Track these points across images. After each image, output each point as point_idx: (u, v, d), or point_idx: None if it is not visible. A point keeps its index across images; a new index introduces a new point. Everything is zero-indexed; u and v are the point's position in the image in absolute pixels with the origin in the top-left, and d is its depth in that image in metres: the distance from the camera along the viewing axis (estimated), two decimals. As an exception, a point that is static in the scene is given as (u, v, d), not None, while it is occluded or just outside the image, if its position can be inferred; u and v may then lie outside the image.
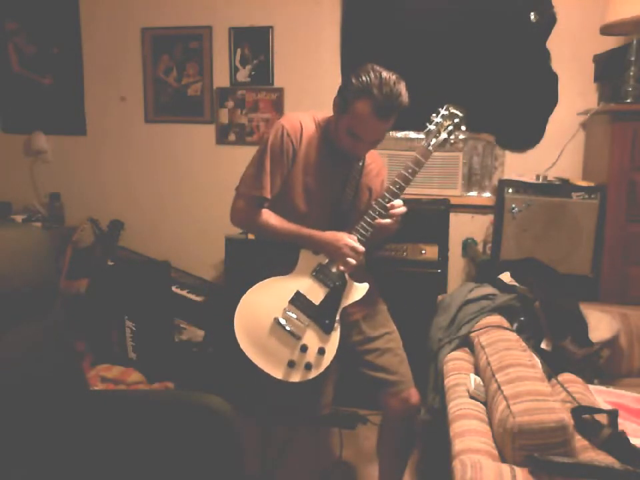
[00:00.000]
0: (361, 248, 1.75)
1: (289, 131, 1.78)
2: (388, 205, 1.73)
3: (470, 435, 1.37)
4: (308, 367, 1.74)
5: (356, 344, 1.91)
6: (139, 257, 3.31)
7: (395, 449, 2.01)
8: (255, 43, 3.22)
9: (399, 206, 1.74)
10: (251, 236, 2.92)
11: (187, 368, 2.93)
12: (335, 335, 1.76)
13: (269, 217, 1.83)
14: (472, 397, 1.58)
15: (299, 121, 1.80)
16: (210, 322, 3.11)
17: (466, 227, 3.07)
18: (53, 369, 1.61)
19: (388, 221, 1.73)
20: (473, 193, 3.11)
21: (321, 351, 1.75)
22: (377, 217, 1.73)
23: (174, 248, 3.39)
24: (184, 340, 3.14)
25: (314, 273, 1.78)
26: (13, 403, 1.45)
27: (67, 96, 3.50)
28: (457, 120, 1.75)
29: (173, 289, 3.11)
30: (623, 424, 1.53)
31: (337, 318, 1.77)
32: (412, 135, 3.07)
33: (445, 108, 1.77)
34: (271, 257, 1.88)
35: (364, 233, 1.75)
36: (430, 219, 2.74)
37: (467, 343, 1.93)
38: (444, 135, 1.75)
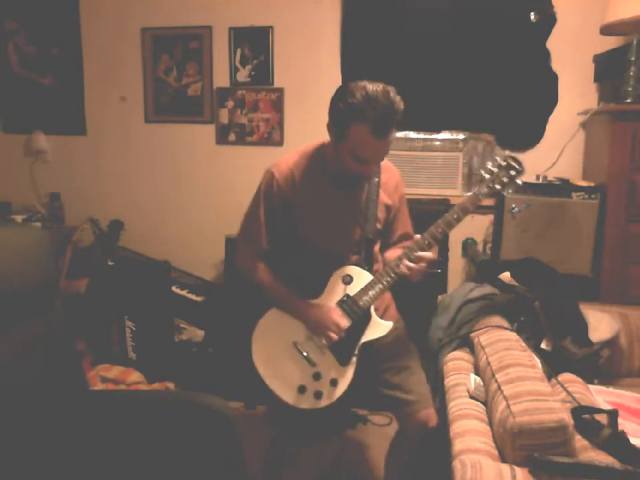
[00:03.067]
0: (344, 324, 1.70)
1: (279, 179, 1.73)
2: (416, 254, 1.66)
3: (470, 435, 1.38)
4: (318, 395, 1.72)
5: (373, 361, 1.84)
6: (139, 257, 3.31)
7: (403, 465, 1.96)
8: (254, 43, 3.22)
9: (427, 257, 1.66)
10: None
11: (187, 368, 2.93)
12: (351, 369, 1.73)
13: (265, 275, 1.79)
14: (472, 397, 1.58)
15: (288, 167, 1.74)
16: (210, 322, 3.11)
17: (466, 227, 3.06)
18: (53, 369, 1.61)
19: (412, 265, 1.65)
20: (473, 193, 3.11)
21: (333, 382, 1.73)
22: (405, 262, 1.65)
23: (174, 248, 3.39)
24: (184, 340, 3.14)
25: (340, 303, 1.74)
26: (13, 403, 1.45)
27: (67, 96, 3.50)
28: (513, 173, 1.67)
29: (173, 288, 3.11)
30: (623, 424, 1.53)
31: (355, 352, 1.73)
32: (412, 135, 3.07)
33: (503, 158, 1.68)
34: (299, 276, 1.80)
35: (392, 276, 1.69)
36: (430, 218, 2.72)
37: (467, 343, 1.93)
38: (497, 187, 1.67)
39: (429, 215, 2.71)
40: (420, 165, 3.02)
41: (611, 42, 2.72)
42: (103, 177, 3.53)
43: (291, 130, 3.24)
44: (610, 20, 2.43)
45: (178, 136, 3.41)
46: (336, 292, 1.75)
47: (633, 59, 2.46)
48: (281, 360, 1.75)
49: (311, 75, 3.19)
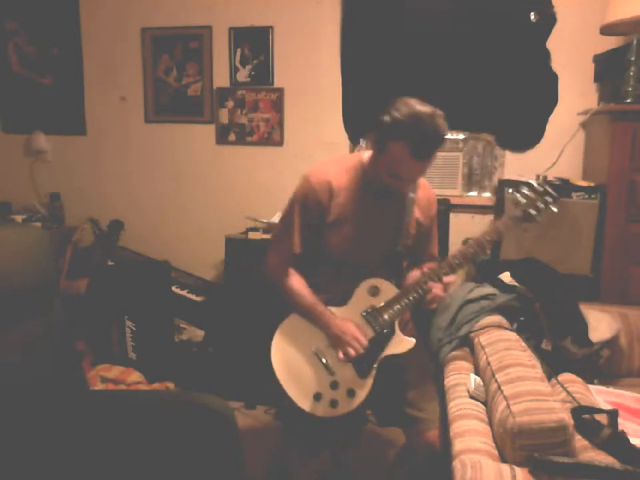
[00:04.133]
0: (364, 341, 1.68)
1: (315, 187, 1.71)
2: (444, 279, 1.68)
3: (470, 435, 1.37)
4: (334, 404, 1.72)
5: (390, 376, 1.81)
6: (139, 257, 3.31)
7: (405, 470, 1.99)
8: (254, 43, 3.22)
9: (448, 281, 1.68)
10: (251, 236, 2.92)
11: (187, 368, 2.93)
12: (369, 381, 1.72)
13: (294, 281, 1.77)
14: (472, 397, 1.58)
15: (326, 174, 1.73)
16: (210, 322, 3.11)
17: (466, 227, 3.07)
18: (53, 369, 1.61)
19: (436, 286, 1.68)
20: (473, 193, 3.11)
21: (351, 393, 1.72)
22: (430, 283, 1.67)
23: (174, 248, 3.39)
24: (184, 340, 3.14)
25: (364, 314, 1.74)
26: (14, 403, 1.45)
27: (67, 96, 3.50)
28: (549, 199, 1.66)
29: (173, 288, 3.11)
30: (623, 424, 1.53)
31: (375, 365, 1.72)
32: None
33: (538, 184, 1.69)
34: (326, 284, 1.79)
35: (418, 293, 1.69)
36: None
37: (467, 343, 1.93)
38: (532, 212, 1.66)
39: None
40: (420, 165, 3.02)
41: (611, 42, 2.71)
42: (103, 177, 3.54)
43: (291, 130, 3.24)
44: (610, 20, 2.43)
45: (178, 136, 3.41)
46: (361, 303, 1.74)
47: (632, 58, 2.46)
48: (299, 365, 1.74)
49: (311, 75, 3.19)
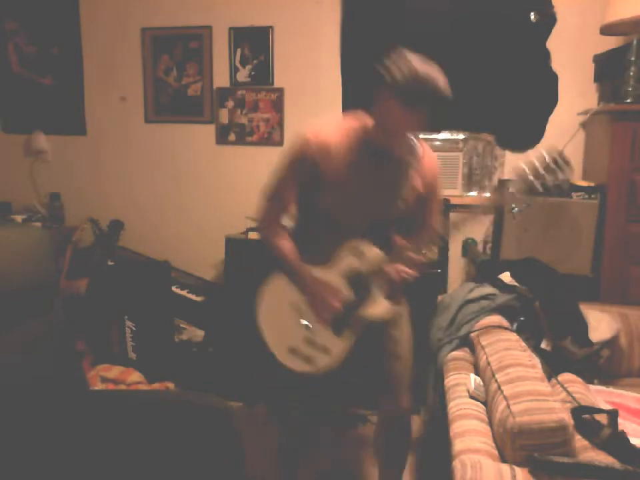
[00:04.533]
0: (337, 305, 1.70)
1: (312, 143, 1.70)
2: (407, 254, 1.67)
3: (470, 435, 1.37)
4: (308, 360, 1.74)
5: (372, 341, 1.83)
6: (139, 257, 3.31)
7: (388, 449, 2.00)
8: (254, 43, 3.22)
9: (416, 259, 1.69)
10: (251, 236, 2.92)
11: (187, 368, 2.93)
12: (344, 341, 1.73)
13: (279, 239, 1.79)
14: (472, 397, 1.58)
15: (324, 133, 1.72)
16: (210, 322, 3.11)
17: (466, 227, 3.06)
18: (53, 369, 1.61)
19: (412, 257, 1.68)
20: (473, 193, 3.11)
21: (325, 350, 1.74)
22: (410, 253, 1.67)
23: (174, 248, 3.39)
24: (184, 340, 3.14)
25: (346, 274, 1.74)
26: (14, 403, 1.45)
27: (67, 96, 3.50)
28: (561, 176, 1.58)
29: (173, 289, 3.11)
30: (623, 424, 1.53)
31: (351, 325, 1.73)
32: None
33: (552, 158, 1.58)
34: (314, 243, 1.80)
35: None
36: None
37: (467, 343, 1.93)
38: (538, 187, 1.60)
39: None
40: (420, 165, 3.01)
41: (611, 42, 2.71)
42: (103, 177, 3.54)
43: (291, 130, 3.24)
44: (610, 20, 2.43)
45: (178, 136, 3.41)
46: (344, 263, 1.74)
47: (632, 59, 2.46)
48: (279, 319, 1.77)
49: (311, 75, 3.19)
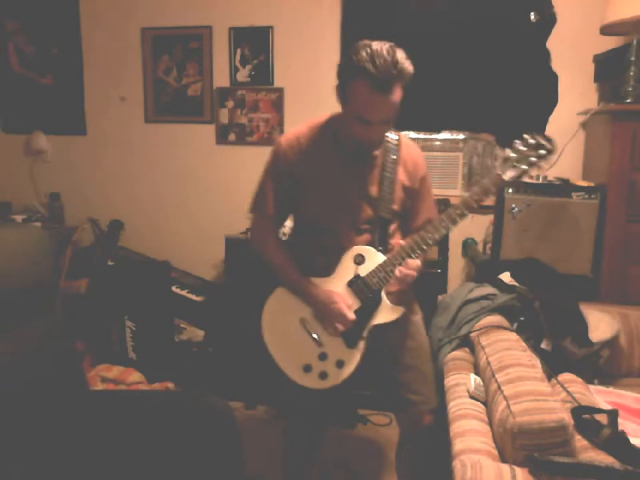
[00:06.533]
0: (351, 316, 1.65)
1: (285, 148, 1.70)
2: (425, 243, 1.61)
3: (470, 435, 1.37)
4: (323, 376, 1.70)
5: (381, 351, 1.78)
6: (139, 257, 3.31)
7: (414, 467, 1.95)
8: (255, 43, 3.22)
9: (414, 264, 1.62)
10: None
11: (187, 368, 2.93)
12: (358, 352, 1.69)
13: (275, 252, 1.76)
14: (472, 397, 1.58)
15: (296, 136, 1.71)
16: (210, 322, 3.11)
17: (466, 227, 3.07)
18: (53, 369, 1.61)
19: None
20: (473, 193, 3.11)
21: (340, 364, 1.70)
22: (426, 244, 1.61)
23: (174, 248, 3.39)
24: (184, 340, 3.14)
25: (350, 283, 1.69)
26: (14, 403, 1.45)
27: (67, 96, 3.50)
28: (542, 152, 1.56)
29: (173, 289, 3.11)
30: (623, 424, 1.53)
31: (364, 335, 1.69)
32: (412, 135, 3.07)
33: (532, 136, 1.58)
34: (310, 254, 1.76)
35: (405, 260, 1.62)
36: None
37: (467, 343, 1.93)
38: (523, 167, 1.56)
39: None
40: (420, 164, 3.02)
41: (611, 42, 2.71)
42: (103, 177, 3.54)
43: (291, 130, 3.24)
44: (610, 20, 2.43)
45: (178, 136, 3.41)
46: (347, 272, 1.70)
47: (632, 59, 2.46)
48: (288, 337, 1.72)
49: (311, 75, 3.19)
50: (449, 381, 1.73)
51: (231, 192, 3.32)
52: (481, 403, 1.56)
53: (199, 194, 3.44)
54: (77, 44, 3.43)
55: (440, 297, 2.36)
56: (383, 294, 1.69)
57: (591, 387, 1.80)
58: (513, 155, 1.58)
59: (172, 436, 1.56)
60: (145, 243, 3.39)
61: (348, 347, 1.69)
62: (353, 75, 1.52)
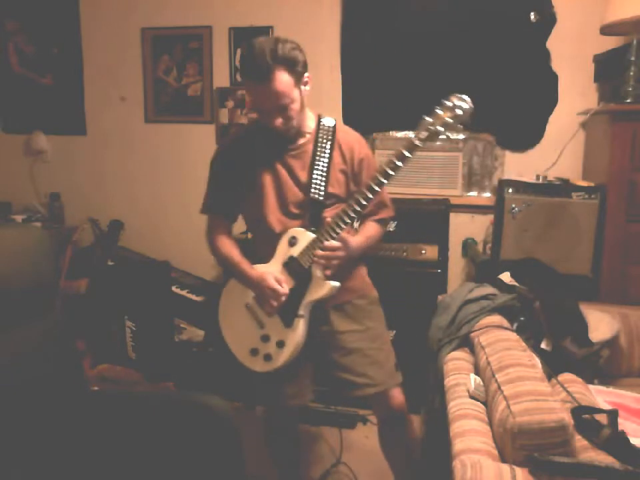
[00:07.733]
0: (282, 290, 1.70)
1: (222, 151, 1.86)
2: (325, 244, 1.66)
3: (470, 435, 1.37)
4: (267, 358, 1.76)
5: (322, 336, 1.82)
6: (139, 257, 3.31)
7: (391, 451, 1.99)
8: (255, 43, 3.22)
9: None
10: (250, 236, 2.92)
11: (187, 368, 2.93)
12: (296, 330, 1.73)
13: (221, 246, 1.85)
14: (472, 397, 1.58)
15: (230, 139, 1.86)
16: (210, 322, 3.10)
17: (466, 227, 3.07)
18: (53, 369, 1.61)
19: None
20: (473, 193, 3.11)
21: (280, 344, 1.75)
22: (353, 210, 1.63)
23: (174, 248, 3.39)
24: (184, 340, 3.14)
25: (284, 264, 1.76)
26: (14, 403, 1.45)
27: (67, 96, 3.50)
28: (459, 112, 1.53)
29: (173, 289, 3.11)
30: (623, 424, 1.53)
31: (300, 313, 1.73)
32: (412, 134, 3.07)
33: (448, 98, 1.56)
34: (260, 246, 1.86)
35: (332, 235, 1.66)
36: (430, 219, 2.74)
37: (467, 343, 1.93)
38: (438, 128, 1.53)
39: (429, 215, 2.75)
40: (420, 165, 3.01)
41: (611, 42, 2.71)
42: (103, 177, 3.54)
43: (291, 130, 3.24)
44: (610, 20, 2.43)
45: (178, 136, 3.41)
46: (282, 254, 1.76)
47: (632, 58, 2.46)
48: (237, 323, 1.82)
49: (311, 74, 3.17)
50: (449, 381, 1.73)
51: (230, 192, 3.32)
52: (481, 402, 1.56)
53: (199, 194, 3.41)
54: (76, 44, 3.43)
55: (440, 297, 2.36)
56: (315, 270, 1.72)
57: (591, 386, 1.80)
58: (428, 118, 1.57)
59: (172, 436, 1.57)
60: (144, 243, 3.39)
61: (286, 326, 1.75)
62: (240, 72, 1.69)
